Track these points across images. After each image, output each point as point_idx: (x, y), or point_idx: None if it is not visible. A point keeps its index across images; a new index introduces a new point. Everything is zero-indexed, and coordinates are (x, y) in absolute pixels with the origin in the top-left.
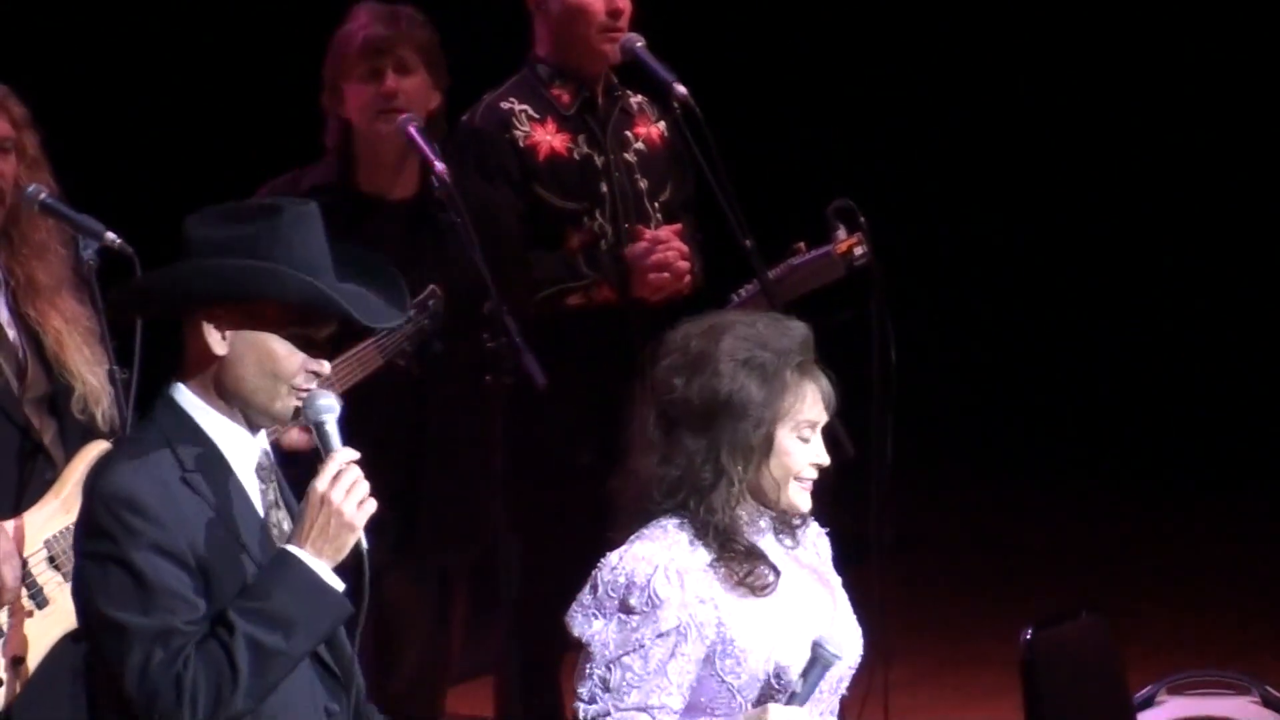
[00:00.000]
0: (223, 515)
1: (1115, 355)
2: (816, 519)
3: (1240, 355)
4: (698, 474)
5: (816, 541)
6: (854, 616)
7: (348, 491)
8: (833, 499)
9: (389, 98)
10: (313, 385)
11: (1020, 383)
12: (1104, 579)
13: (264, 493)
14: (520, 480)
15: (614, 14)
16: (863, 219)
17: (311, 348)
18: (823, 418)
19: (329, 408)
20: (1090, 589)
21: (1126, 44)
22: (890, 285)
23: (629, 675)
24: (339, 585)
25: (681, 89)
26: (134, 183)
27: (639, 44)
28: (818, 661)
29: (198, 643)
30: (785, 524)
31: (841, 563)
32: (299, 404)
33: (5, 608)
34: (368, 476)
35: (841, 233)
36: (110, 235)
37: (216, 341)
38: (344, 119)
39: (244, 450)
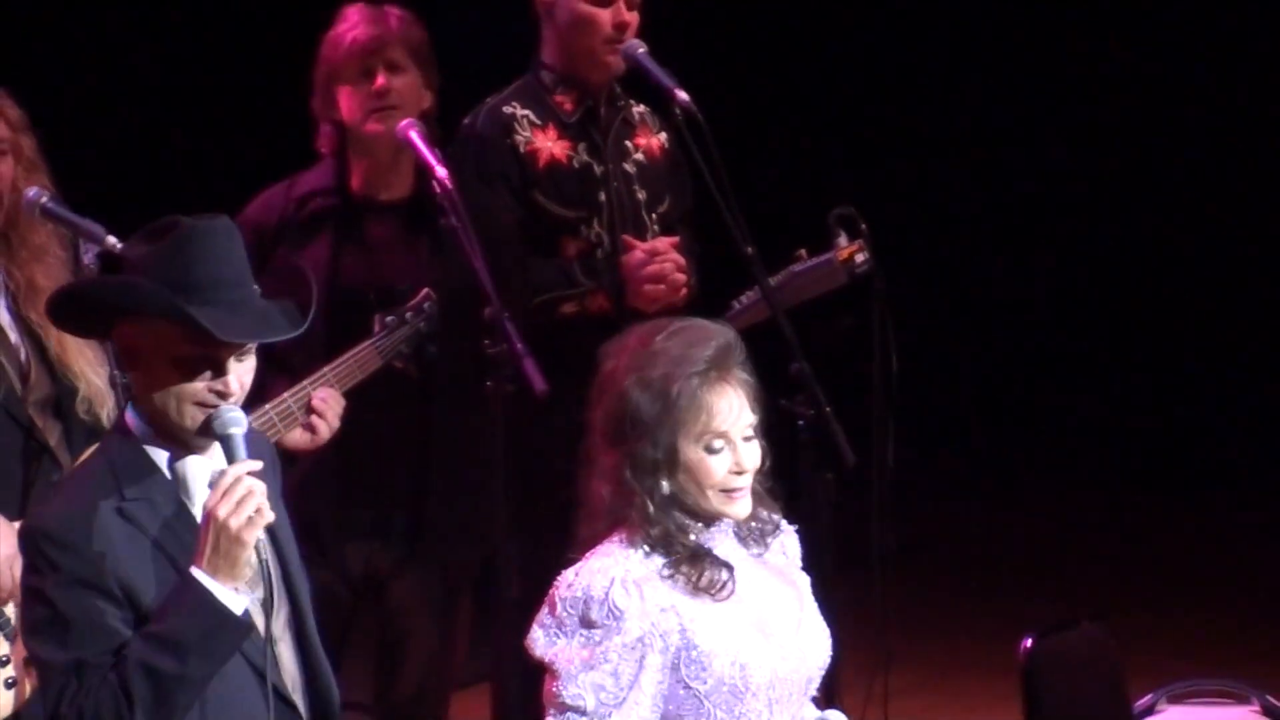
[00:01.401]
0: (162, 544)
1: (1117, 361)
2: (819, 522)
3: (1242, 360)
4: (615, 493)
5: (785, 541)
6: (820, 618)
7: (238, 505)
8: (835, 505)
9: (381, 96)
10: (220, 403)
11: (1022, 389)
12: (1105, 586)
13: None
14: (519, 487)
15: (620, 27)
16: (864, 226)
17: (214, 366)
18: (734, 427)
19: (235, 421)
20: (1091, 596)
21: (1128, 53)
22: (892, 292)
23: (603, 695)
24: (236, 604)
25: (683, 95)
26: (135, 186)
27: (641, 50)
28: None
29: (105, 672)
30: (752, 531)
31: (839, 568)
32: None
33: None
34: (374, 481)
35: (843, 240)
36: (111, 239)
37: (128, 362)
38: (337, 122)
39: (195, 473)
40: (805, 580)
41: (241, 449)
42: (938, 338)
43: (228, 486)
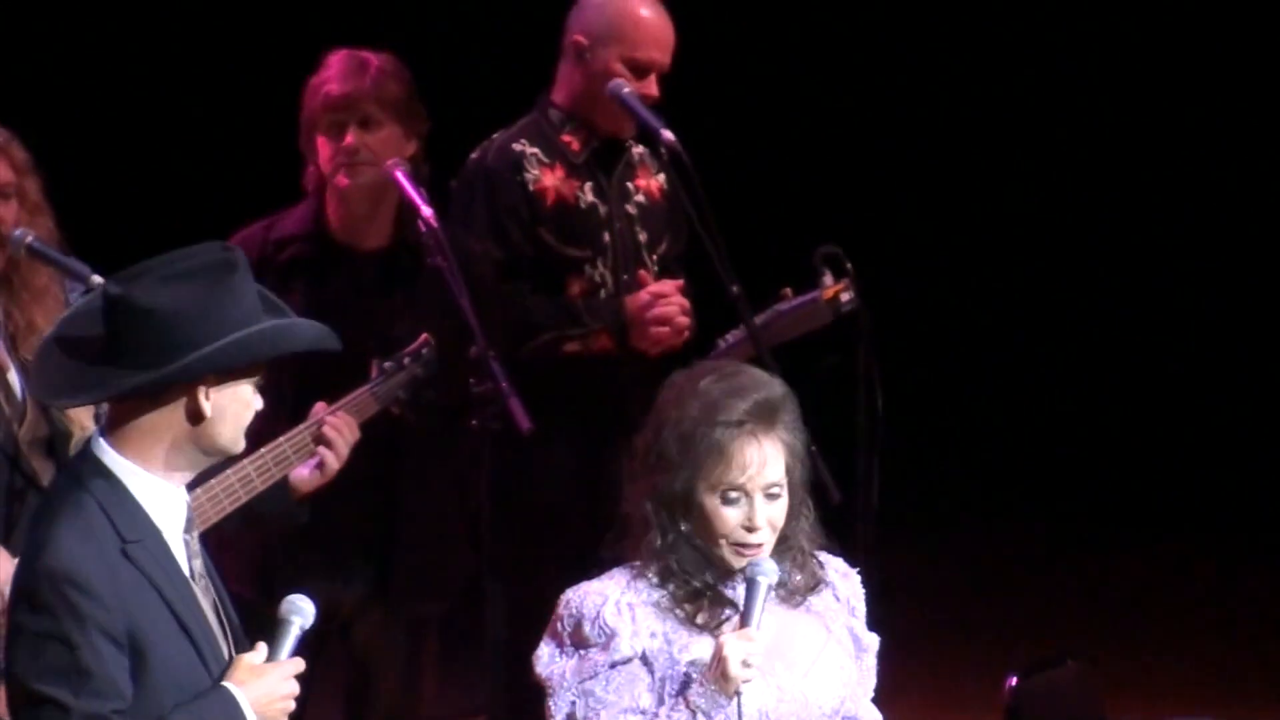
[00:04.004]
0: (159, 587)
1: (1101, 400)
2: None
3: (1226, 398)
4: (639, 520)
5: (839, 585)
6: (841, 674)
7: (280, 699)
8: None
9: (350, 153)
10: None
11: (1006, 428)
12: (1089, 625)
13: (187, 544)
14: (508, 523)
15: (643, 99)
16: (849, 265)
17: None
18: (753, 482)
19: (300, 610)
20: (1076, 635)
21: (1112, 89)
22: (877, 331)
23: (591, 700)
24: None
25: (669, 135)
26: (126, 225)
27: (626, 89)
28: (752, 584)
29: None
30: (785, 587)
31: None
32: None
33: None
34: (336, 523)
35: (828, 278)
36: (96, 278)
37: (205, 404)
38: (318, 165)
39: (173, 508)
40: (846, 632)
41: (295, 642)
42: (923, 376)
43: (283, 677)
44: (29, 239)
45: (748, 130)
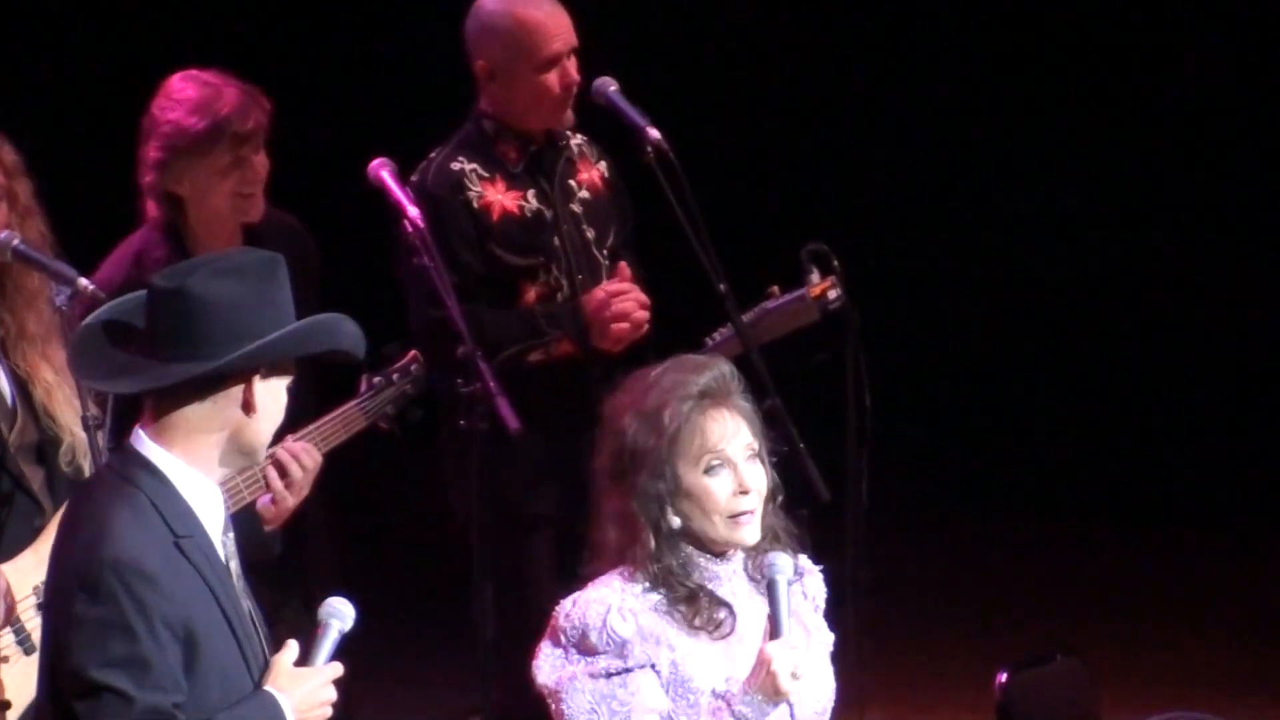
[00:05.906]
0: (207, 580)
1: (1091, 395)
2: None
3: (1219, 392)
4: (621, 532)
5: (807, 583)
6: (827, 667)
7: (319, 704)
8: (809, 542)
9: (260, 182)
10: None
11: (996, 424)
12: (1079, 621)
13: (225, 545)
14: (495, 524)
15: (567, 88)
16: (836, 262)
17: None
18: (731, 446)
19: (340, 613)
20: (1066, 631)
21: (1098, 81)
22: (864, 328)
23: (614, 704)
24: None
25: (655, 133)
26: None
27: (612, 88)
28: (772, 585)
29: None
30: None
31: (830, 607)
32: None
33: None
34: None
35: (815, 276)
36: (83, 281)
37: (257, 396)
38: (178, 196)
39: (214, 507)
40: (820, 625)
41: (333, 647)
42: (911, 373)
43: (323, 682)
44: (14, 242)
45: (734, 128)
